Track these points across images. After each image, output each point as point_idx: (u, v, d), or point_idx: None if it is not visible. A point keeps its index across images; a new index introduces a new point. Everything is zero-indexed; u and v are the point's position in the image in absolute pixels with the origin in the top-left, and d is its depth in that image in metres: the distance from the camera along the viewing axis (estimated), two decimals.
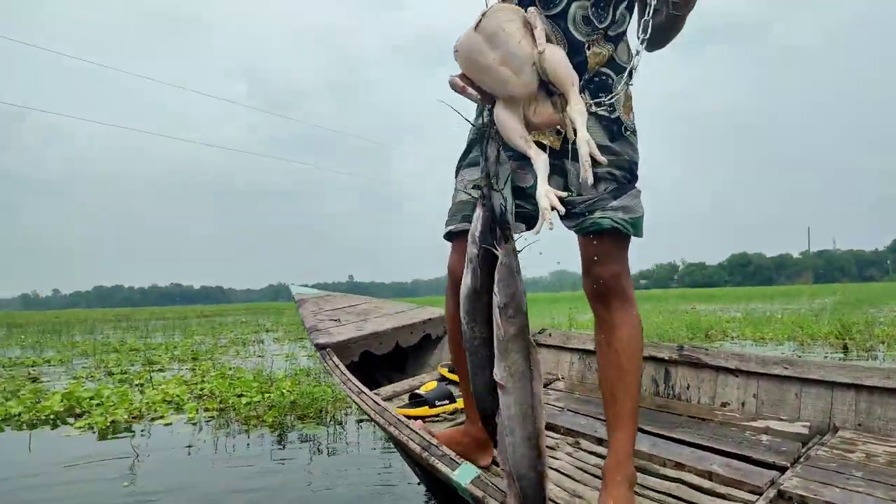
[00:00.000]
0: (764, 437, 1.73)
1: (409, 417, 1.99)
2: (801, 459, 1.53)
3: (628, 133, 1.32)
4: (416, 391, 2.07)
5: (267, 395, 3.85)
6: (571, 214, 1.27)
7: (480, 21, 1.00)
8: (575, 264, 1.35)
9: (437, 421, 1.98)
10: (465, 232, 1.21)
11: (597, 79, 1.26)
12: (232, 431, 3.27)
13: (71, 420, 3.66)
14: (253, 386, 4.12)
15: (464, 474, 1.22)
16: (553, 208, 1.01)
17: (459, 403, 2.07)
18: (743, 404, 2.02)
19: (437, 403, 2.01)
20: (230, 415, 3.62)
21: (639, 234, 1.31)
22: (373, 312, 2.97)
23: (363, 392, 1.85)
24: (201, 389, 4.34)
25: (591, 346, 2.41)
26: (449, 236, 1.44)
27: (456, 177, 1.46)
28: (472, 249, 1.06)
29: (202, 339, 9.68)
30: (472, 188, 1.36)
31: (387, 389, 2.35)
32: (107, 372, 5.72)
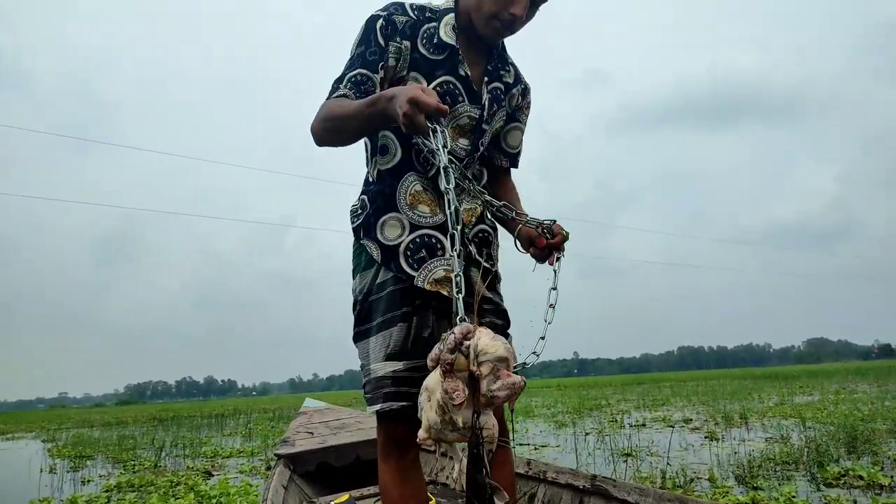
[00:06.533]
0: None
1: None
2: None
3: (498, 283, 1.48)
4: (330, 503, 2.32)
5: None
6: None
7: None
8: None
9: None
10: (392, 412, 1.25)
11: (481, 235, 1.44)
12: None
13: None
14: None
15: None
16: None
17: None
18: None
19: None
20: None
21: None
22: (350, 427, 3.28)
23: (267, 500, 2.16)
24: None
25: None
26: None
27: (356, 343, 1.37)
28: None
29: None
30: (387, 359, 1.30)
31: (326, 498, 2.60)
32: (266, 465, 5.46)
